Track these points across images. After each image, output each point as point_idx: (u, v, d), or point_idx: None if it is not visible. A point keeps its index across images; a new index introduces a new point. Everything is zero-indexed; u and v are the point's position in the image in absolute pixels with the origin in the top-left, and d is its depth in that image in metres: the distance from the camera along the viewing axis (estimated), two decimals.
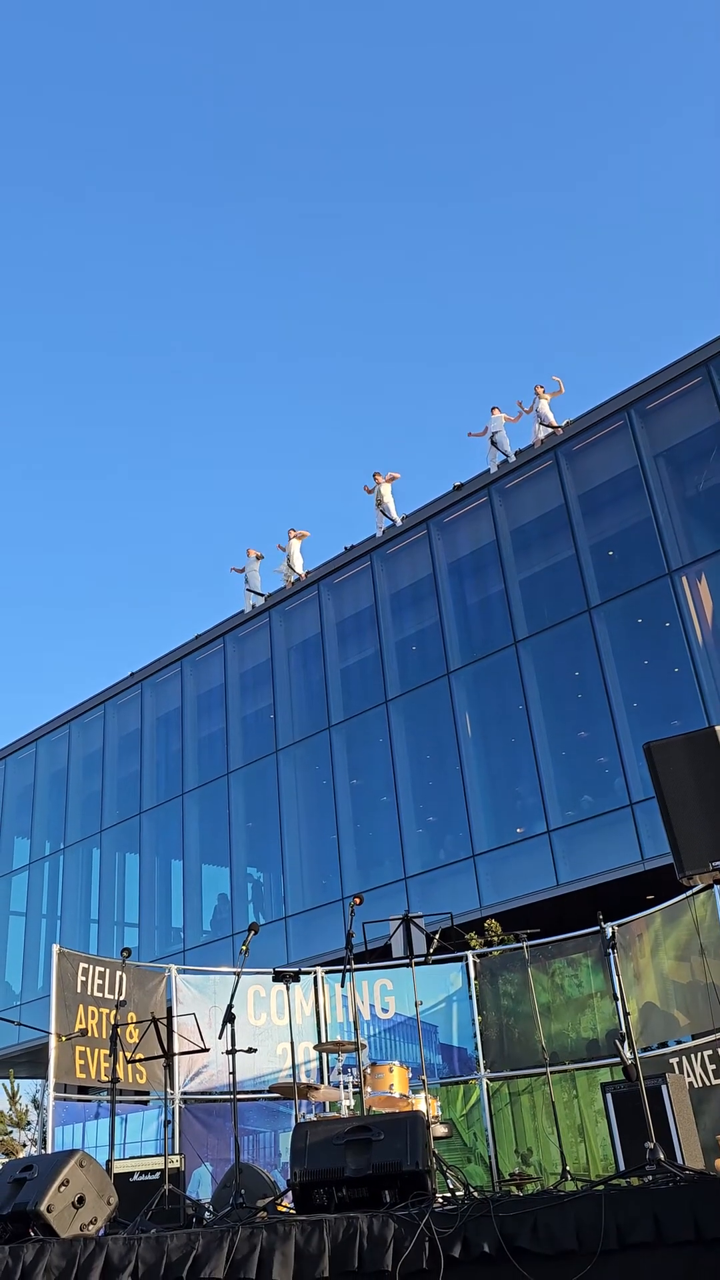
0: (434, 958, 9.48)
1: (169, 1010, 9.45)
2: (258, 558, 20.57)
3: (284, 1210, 5.79)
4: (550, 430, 17.12)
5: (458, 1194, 5.67)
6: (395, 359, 57.19)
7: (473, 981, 10.25)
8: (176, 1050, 7.81)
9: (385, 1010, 10.35)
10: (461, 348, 57.75)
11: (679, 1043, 9.07)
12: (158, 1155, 8.10)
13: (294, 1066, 8.65)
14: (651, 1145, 5.15)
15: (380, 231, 52.43)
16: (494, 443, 17.68)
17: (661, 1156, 5.15)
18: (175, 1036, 7.96)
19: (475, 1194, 5.13)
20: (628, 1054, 6.27)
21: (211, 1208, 7.05)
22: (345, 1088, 8.11)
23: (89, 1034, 9.10)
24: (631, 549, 15.65)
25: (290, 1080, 8.33)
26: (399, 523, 18.85)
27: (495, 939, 12.63)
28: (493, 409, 17.98)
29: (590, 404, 16.97)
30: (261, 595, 20.49)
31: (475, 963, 10.36)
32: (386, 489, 18.79)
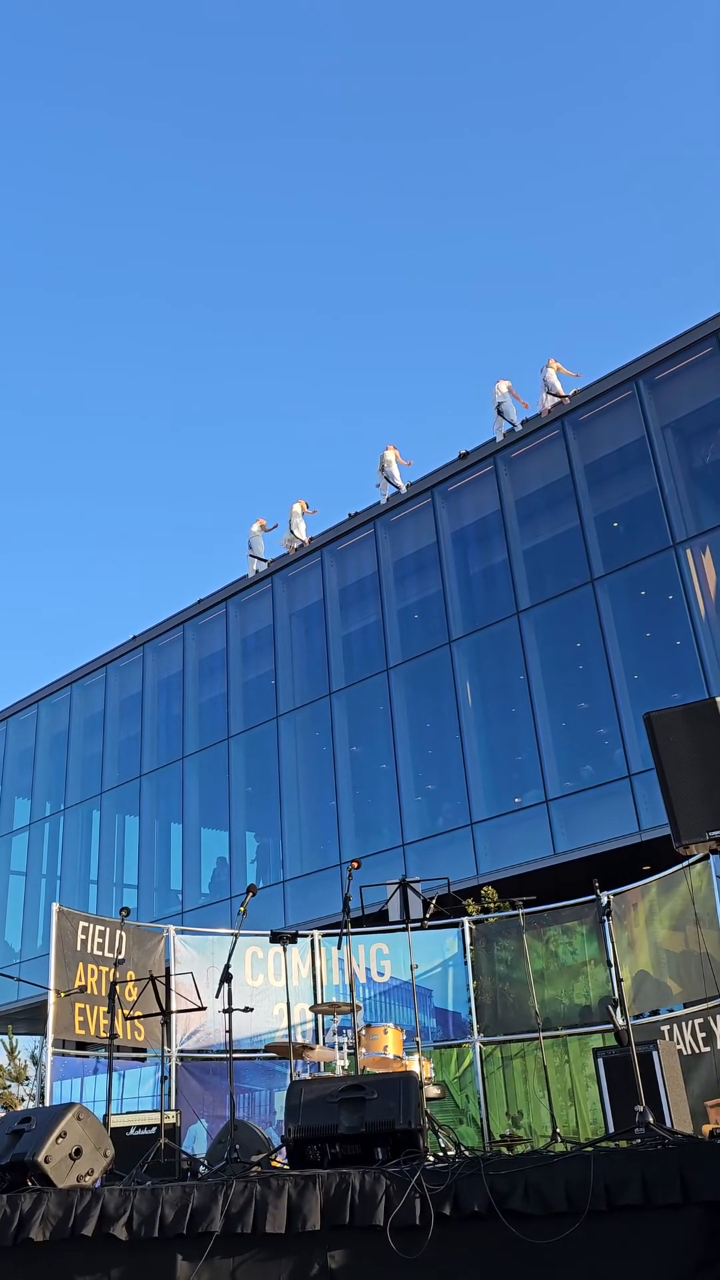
0: (430, 923, 9.51)
1: (167, 969, 9.48)
2: (264, 528, 20.51)
3: (278, 1166, 5.79)
4: (557, 400, 17.03)
5: (449, 1153, 5.69)
6: (402, 328, 57.09)
7: (468, 947, 10.26)
8: (174, 1009, 7.69)
9: (381, 974, 10.37)
10: (469, 316, 57.62)
11: (670, 1011, 9.12)
12: (154, 1111, 8.17)
13: (290, 1027, 8.68)
14: (641, 1109, 5.18)
15: (387, 197, 51.80)
16: (500, 411, 17.57)
17: (651, 1120, 5.17)
18: (173, 995, 7.89)
19: (467, 1153, 5.20)
20: (620, 1020, 6.30)
21: (206, 1162, 7.09)
22: (340, 1049, 8.19)
23: (88, 991, 9.13)
24: (636, 521, 15.57)
25: (286, 1040, 8.38)
26: (403, 490, 18.77)
27: (492, 906, 12.67)
28: (499, 382, 17.82)
29: (598, 373, 16.88)
30: (265, 560, 20.47)
31: (471, 929, 10.38)
32: (392, 456, 18.74)
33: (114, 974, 7.96)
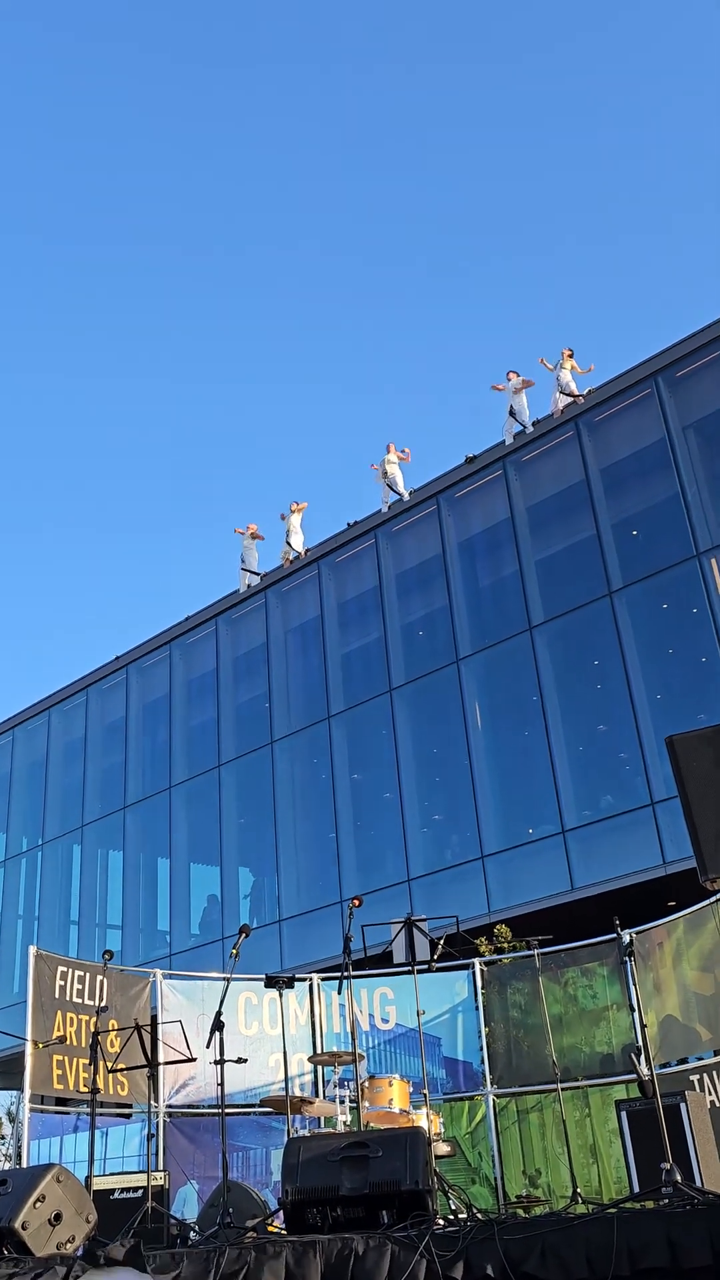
0: (438, 965, 9.57)
1: (153, 1017, 9.50)
2: (254, 536, 20.57)
3: (274, 1231, 5.82)
4: (571, 399, 17.01)
5: (460, 1216, 5.70)
6: (404, 325, 56.90)
7: (479, 991, 10.27)
8: (161, 1060, 7.72)
9: (385, 1020, 10.40)
10: (476, 312, 57.37)
11: (700, 1059, 9.10)
12: (140, 1172, 8.12)
13: (287, 1079, 8.70)
14: (668, 1166, 5.18)
15: (391, 188, 52.50)
16: (511, 412, 17.59)
17: (679, 1178, 5.16)
18: (160, 1045, 7.89)
19: (479, 1216, 5.20)
20: (645, 1070, 6.32)
21: (197, 1228, 7.07)
22: (341, 1102, 8.20)
23: (67, 1042, 9.14)
24: (657, 528, 15.62)
25: (283, 1093, 8.39)
26: (406, 497, 18.75)
27: (504, 945, 12.71)
28: (509, 373, 17.75)
29: (615, 371, 16.84)
30: (257, 574, 20.50)
31: (482, 970, 10.39)
32: (393, 457, 18.76)
33: (96, 1023, 7.99)
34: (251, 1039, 10.10)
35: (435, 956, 9.05)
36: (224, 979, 8.84)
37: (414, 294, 55.07)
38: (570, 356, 17.26)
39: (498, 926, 13.54)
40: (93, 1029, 8.27)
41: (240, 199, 54.14)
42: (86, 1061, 8.90)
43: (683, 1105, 6.68)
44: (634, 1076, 8.19)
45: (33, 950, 9.45)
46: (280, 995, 8.90)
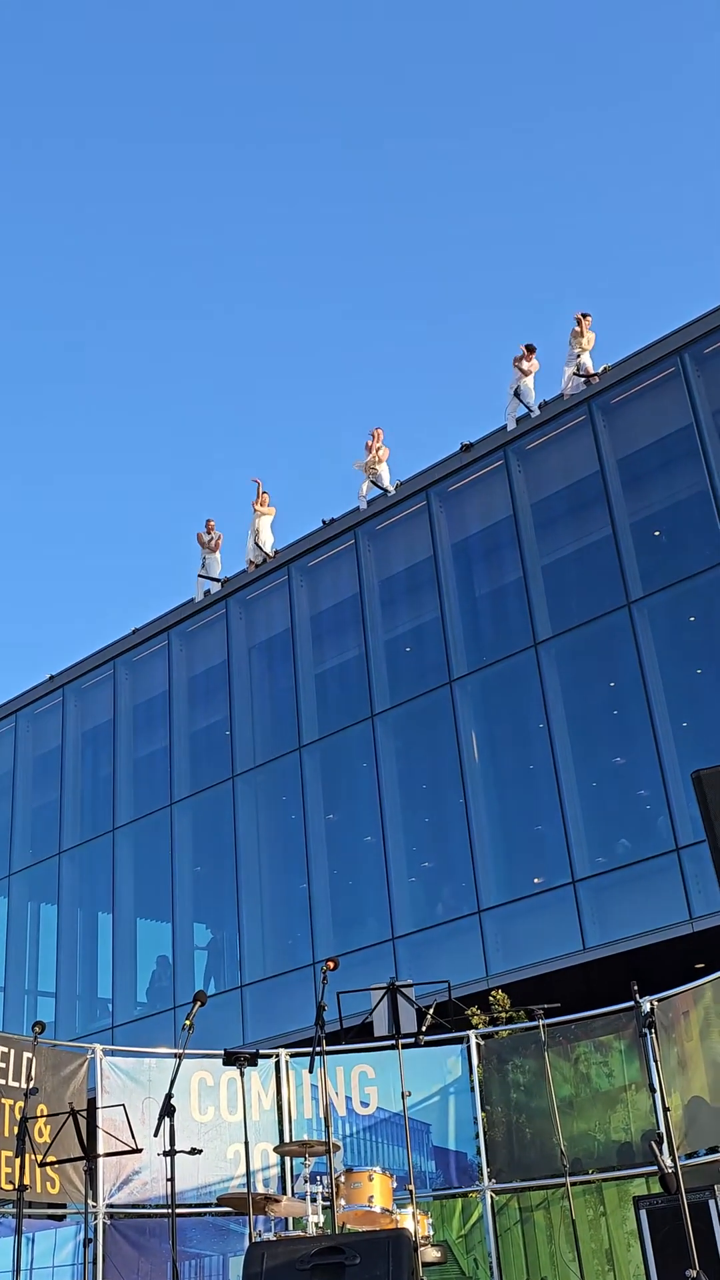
0: (427, 1038, 9.65)
1: (91, 1101, 9.51)
2: (210, 532, 20.53)
3: None
4: (585, 379, 17.01)
5: None
6: (392, 298, 56.31)
7: (475, 1068, 10.35)
8: (100, 1151, 7.97)
9: (365, 1104, 10.47)
10: (474, 282, 56.81)
11: None
12: None
13: (249, 1173, 8.65)
14: (695, 1274, 5.28)
15: (382, 137, 52.52)
16: (515, 393, 17.57)
17: None
18: (99, 1134, 8.09)
19: None
20: (667, 1160, 6.31)
21: None
22: (313, 1200, 8.21)
23: None
24: (683, 529, 15.71)
25: (244, 1190, 8.42)
26: (392, 491, 18.76)
27: (504, 1015, 12.77)
28: (525, 347, 17.61)
29: (634, 346, 16.86)
30: (218, 581, 20.50)
31: (479, 1045, 10.48)
32: (381, 454, 18.84)
33: (23, 1108, 7.87)
34: (207, 1126, 10.16)
35: (424, 1028, 9.07)
36: (175, 1055, 8.83)
37: (397, 256, 55.14)
38: (586, 323, 17.14)
39: (496, 993, 13.58)
40: (19, 1115, 8.25)
41: (243, 179, 54.37)
42: (11, 1153, 8.83)
43: (711, 1202, 6.74)
44: (655, 1168, 8.19)
45: None
46: (241, 1075, 8.92)
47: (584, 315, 17.22)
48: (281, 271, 54.47)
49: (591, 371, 17.07)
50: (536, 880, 15.80)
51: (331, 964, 8.01)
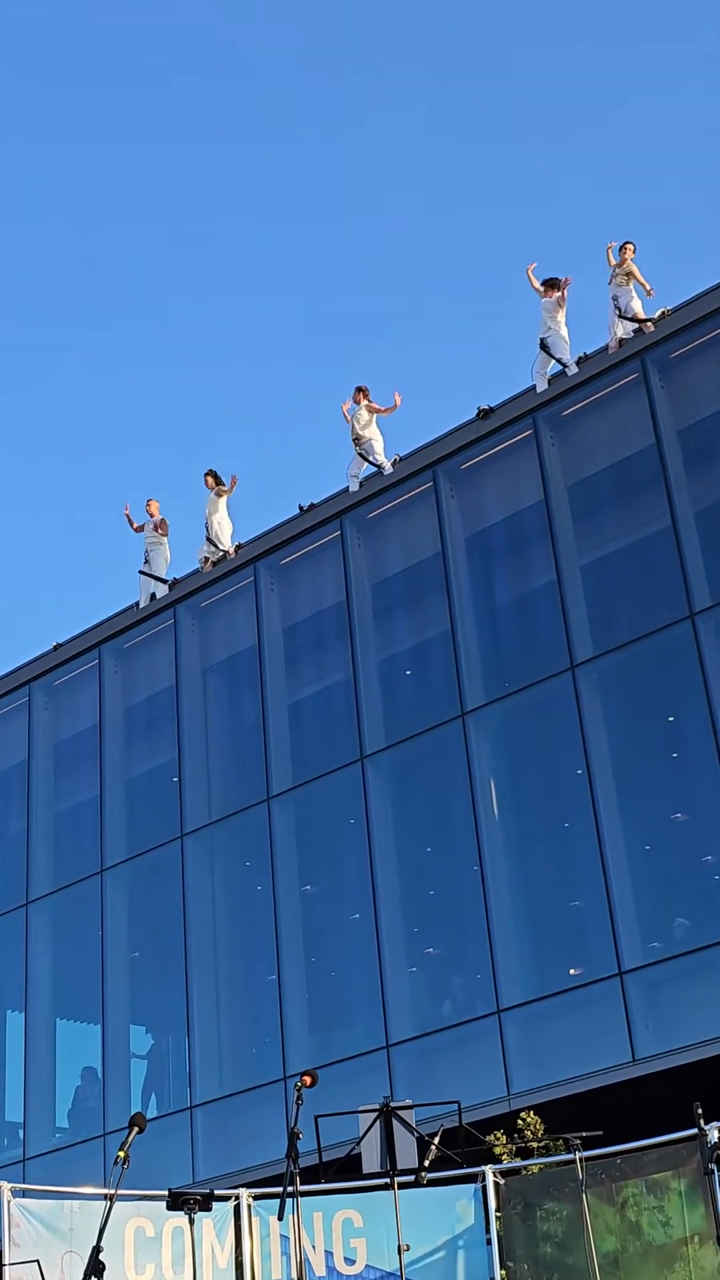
0: (431, 1175, 9.58)
1: None
2: (157, 527, 20.14)
3: None
4: (636, 328, 16.37)
5: None
6: (392, 231, 55.38)
7: (494, 1214, 10.37)
8: None
9: (350, 1260, 10.42)
10: (495, 215, 55.35)
11: None
12: None
13: None
14: None
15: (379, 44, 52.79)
16: (543, 345, 17.04)
17: None
18: None
19: None
20: None
21: None
22: None
23: None
24: None
25: None
26: (388, 470, 18.16)
27: (532, 1146, 12.55)
28: (544, 285, 17.12)
29: (694, 288, 16.22)
30: (165, 582, 19.93)
31: (499, 1184, 10.50)
32: (368, 415, 18.24)
33: None
34: None
35: (427, 1163, 9.08)
36: (105, 1197, 8.87)
37: (399, 183, 54.26)
38: (629, 255, 16.72)
39: (523, 1116, 13.05)
40: None
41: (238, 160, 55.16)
42: None
43: None
44: None
45: None
46: (191, 1222, 9.18)
47: (625, 245, 16.84)
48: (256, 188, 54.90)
49: (644, 318, 16.44)
50: (573, 972, 15.56)
51: (308, 1079, 8.08)
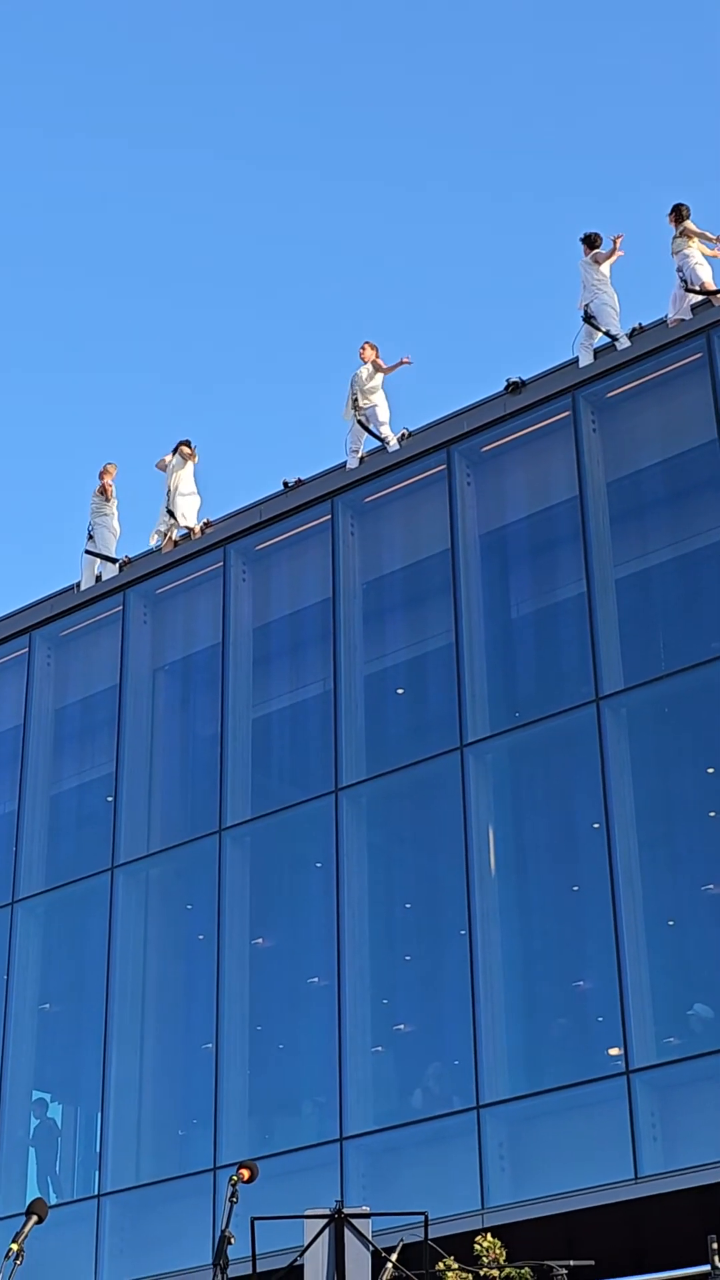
0: None
1: None
2: (104, 490, 19.93)
3: None
4: (702, 296, 16.12)
5: None
6: (408, 178, 56.21)
7: None
8: None
9: None
10: (519, 166, 56.09)
11: None
12: None
13: None
14: None
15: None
16: (586, 316, 16.87)
17: None
18: None
19: None
20: None
21: None
22: None
23: None
24: None
25: None
26: (394, 446, 17.77)
27: (513, 1274, 12.25)
28: (589, 244, 17.10)
29: None
30: (114, 561, 19.57)
31: None
32: (375, 377, 18.00)
33: None
34: None
35: None
36: None
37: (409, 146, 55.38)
38: (688, 215, 16.65)
39: (484, 1238, 12.43)
40: None
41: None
42: None
43: None
44: None
45: None
46: None
47: (677, 208, 16.81)
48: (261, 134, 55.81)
49: (713, 288, 16.19)
50: (571, 1066, 15.20)
51: (245, 1172, 8.09)
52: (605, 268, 17.12)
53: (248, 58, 55.58)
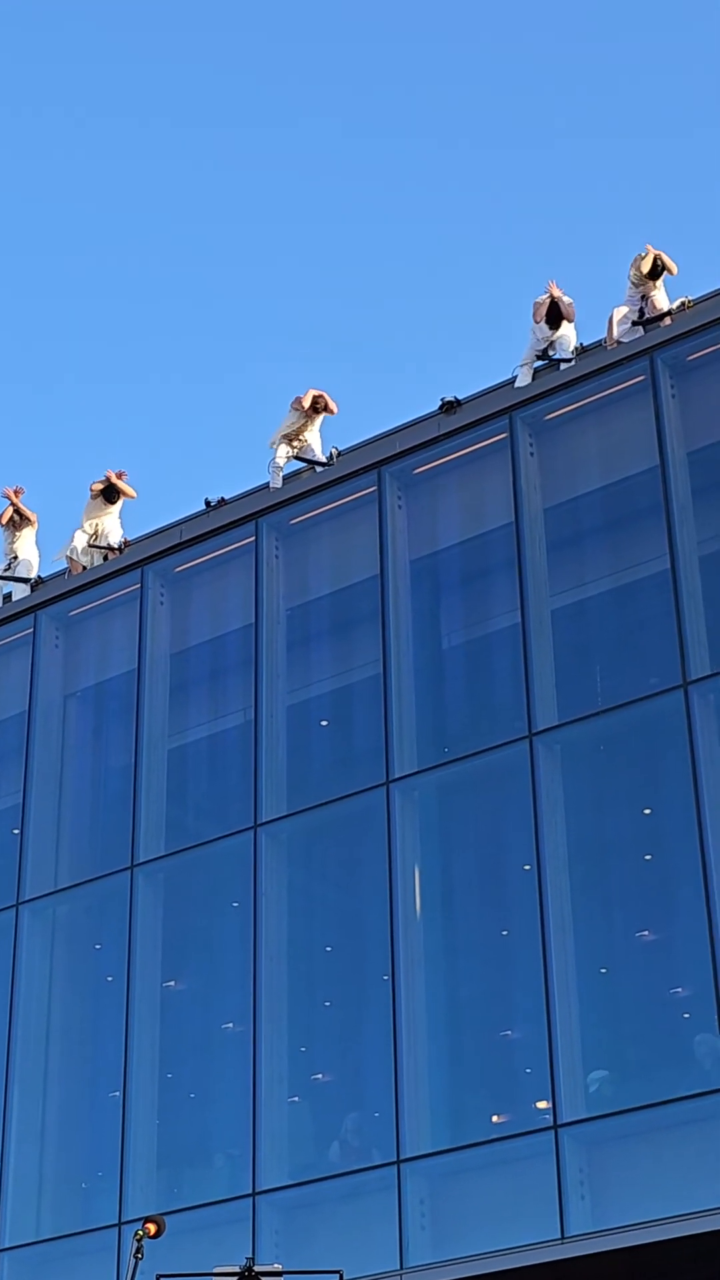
0: None
1: None
2: (16, 518, 20.09)
3: None
4: (652, 318, 16.83)
5: None
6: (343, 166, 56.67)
7: None
8: None
9: None
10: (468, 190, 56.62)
11: None
12: None
13: None
14: None
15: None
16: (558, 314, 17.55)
17: None
18: None
19: None
20: None
21: None
22: None
23: None
24: None
25: None
26: (324, 465, 18.06)
27: None
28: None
29: (711, 284, 16.82)
30: (26, 582, 19.74)
31: None
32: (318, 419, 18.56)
33: None
34: None
35: None
36: None
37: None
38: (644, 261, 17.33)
39: None
40: None
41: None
42: None
43: None
44: None
45: None
46: None
47: (666, 266, 17.57)
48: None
49: (662, 309, 17.03)
50: (496, 1119, 15.57)
51: (152, 1227, 8.55)
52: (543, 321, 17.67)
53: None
